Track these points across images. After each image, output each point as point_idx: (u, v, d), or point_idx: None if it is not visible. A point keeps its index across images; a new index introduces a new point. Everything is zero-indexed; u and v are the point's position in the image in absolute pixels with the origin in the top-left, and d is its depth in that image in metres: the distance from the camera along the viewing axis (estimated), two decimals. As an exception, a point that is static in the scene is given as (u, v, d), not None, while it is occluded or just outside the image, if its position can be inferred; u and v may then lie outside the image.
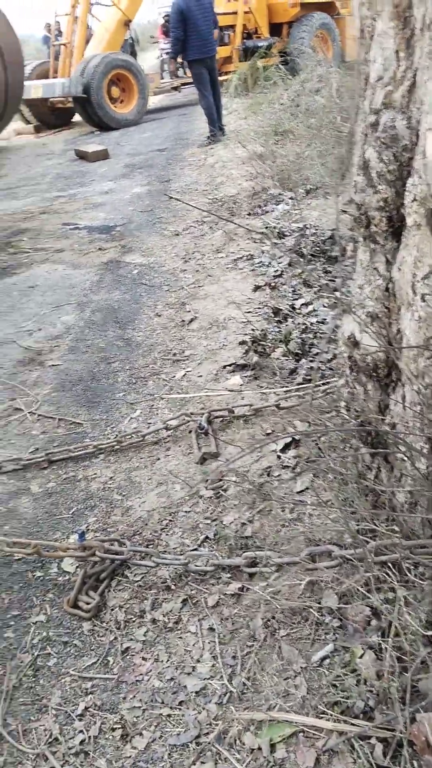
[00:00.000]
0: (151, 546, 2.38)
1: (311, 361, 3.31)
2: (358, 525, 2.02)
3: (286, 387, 3.13)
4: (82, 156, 10.63)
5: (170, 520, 2.50)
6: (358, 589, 1.89)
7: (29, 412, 3.41)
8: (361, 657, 1.73)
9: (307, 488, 2.42)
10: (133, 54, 16.22)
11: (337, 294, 2.67)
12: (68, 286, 5.12)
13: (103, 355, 3.95)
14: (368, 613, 1.85)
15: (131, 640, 2.03)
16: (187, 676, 1.88)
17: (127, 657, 1.98)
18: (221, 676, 1.85)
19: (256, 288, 4.36)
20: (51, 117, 15.05)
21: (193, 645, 1.97)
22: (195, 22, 8.92)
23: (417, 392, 1.84)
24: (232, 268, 4.84)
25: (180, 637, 2.01)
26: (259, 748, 1.63)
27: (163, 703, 1.82)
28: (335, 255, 4.57)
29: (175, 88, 15.71)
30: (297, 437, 2.68)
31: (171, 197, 6.76)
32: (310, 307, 3.90)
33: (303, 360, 3.34)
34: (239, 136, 8.99)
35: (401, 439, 1.88)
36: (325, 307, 3.87)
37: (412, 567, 1.79)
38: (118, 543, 2.36)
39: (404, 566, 1.79)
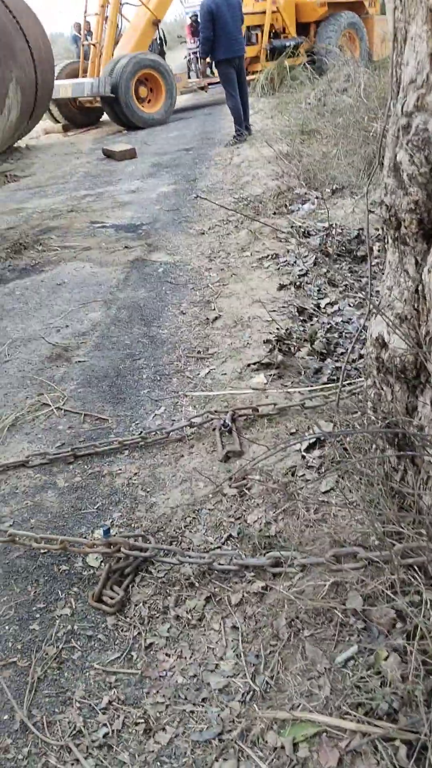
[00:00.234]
0: (175, 543, 2.39)
1: (336, 360, 3.30)
2: (384, 527, 2.02)
3: (311, 386, 3.12)
4: (109, 155, 10.68)
5: (194, 518, 2.50)
6: (383, 591, 1.89)
7: (56, 408, 3.44)
8: (385, 659, 1.73)
9: (332, 489, 2.42)
10: (161, 54, 16.25)
11: (364, 294, 2.66)
12: (95, 283, 5.15)
13: (128, 352, 3.97)
14: (393, 615, 1.84)
15: (155, 635, 2.04)
16: (210, 673, 1.89)
17: (151, 652, 1.99)
18: (244, 674, 1.86)
19: (281, 287, 4.36)
20: (79, 116, 15.15)
21: (217, 642, 1.98)
22: (224, 22, 8.94)
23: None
24: (257, 267, 4.84)
25: (203, 635, 2.02)
26: (282, 747, 1.64)
27: (186, 699, 1.83)
28: (361, 255, 4.55)
29: (202, 88, 15.73)
30: (322, 437, 2.67)
31: (198, 196, 6.77)
32: (336, 307, 3.89)
33: (328, 359, 3.33)
34: (265, 136, 8.99)
35: (429, 441, 1.87)
36: (350, 306, 3.86)
37: (439, 569, 1.78)
38: (143, 539, 2.38)
39: (430, 569, 1.78)
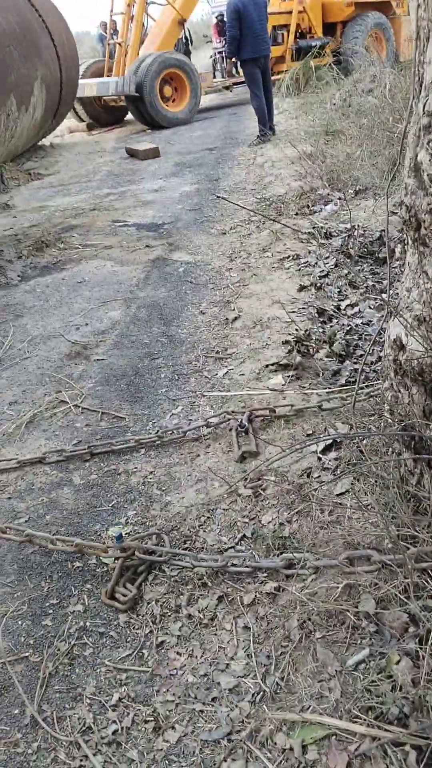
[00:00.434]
0: (189, 542, 2.39)
1: (355, 362, 3.28)
2: (398, 530, 2.00)
3: (329, 388, 3.11)
4: (132, 154, 10.72)
5: (208, 517, 2.50)
6: (396, 595, 1.87)
7: (74, 405, 3.46)
8: (397, 663, 1.72)
9: (347, 491, 2.40)
10: (187, 53, 16.27)
11: (384, 296, 2.64)
12: (115, 282, 5.17)
13: (147, 351, 3.98)
14: (406, 619, 1.83)
15: (166, 634, 2.05)
16: (220, 672, 1.89)
17: (162, 651, 2.00)
18: (255, 675, 1.85)
19: (302, 288, 4.35)
20: (104, 115, 15.21)
21: (228, 642, 1.97)
22: (250, 21, 8.94)
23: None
24: (277, 268, 4.83)
25: (215, 634, 2.02)
26: (291, 749, 1.63)
27: (196, 698, 1.83)
28: (383, 256, 4.52)
29: (227, 88, 15.73)
30: (338, 439, 2.66)
31: (219, 196, 6.77)
32: (356, 309, 3.87)
33: (347, 362, 3.32)
34: (289, 136, 8.97)
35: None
36: (371, 308, 3.83)
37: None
38: (157, 537, 2.38)
39: (444, 573, 1.77)
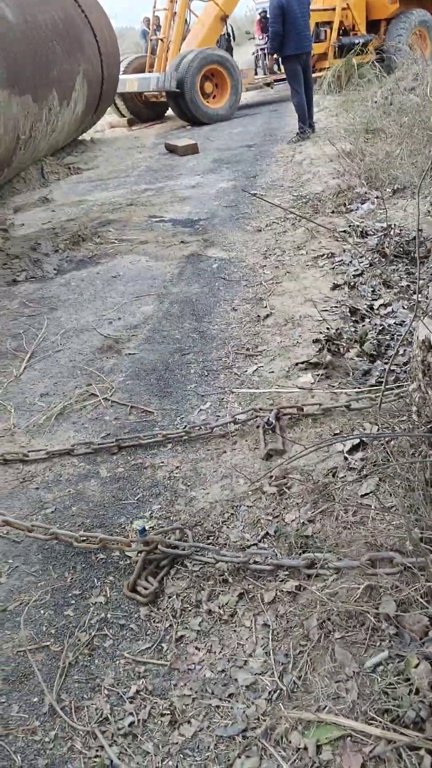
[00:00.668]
0: (212, 538, 2.40)
1: (386, 363, 3.25)
2: (422, 533, 1.98)
3: (358, 388, 3.09)
4: (171, 150, 10.75)
5: (232, 514, 2.51)
6: (417, 599, 1.85)
7: (103, 398, 3.49)
8: (416, 667, 1.70)
9: (372, 492, 2.38)
10: (229, 49, 16.25)
11: (416, 297, 2.61)
12: (149, 277, 5.19)
13: (177, 346, 3.99)
14: (426, 622, 1.81)
15: (186, 628, 2.06)
16: (238, 669, 1.89)
17: (181, 645, 2.00)
18: (272, 673, 1.85)
19: (335, 286, 4.32)
20: (144, 111, 15.27)
21: (247, 639, 1.98)
22: (294, 18, 8.89)
23: None
24: (311, 266, 4.80)
25: (234, 631, 2.02)
26: (305, 748, 1.63)
27: (213, 693, 1.83)
28: (419, 256, 4.47)
29: (268, 84, 15.67)
30: (365, 439, 2.64)
31: (252, 193, 6.75)
32: (389, 309, 3.83)
33: (378, 362, 3.29)
34: (328, 134, 8.90)
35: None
36: (404, 308, 3.79)
37: None
38: (180, 531, 2.39)
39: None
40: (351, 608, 1.93)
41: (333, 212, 5.80)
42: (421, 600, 1.83)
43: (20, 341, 4.32)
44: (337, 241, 5.13)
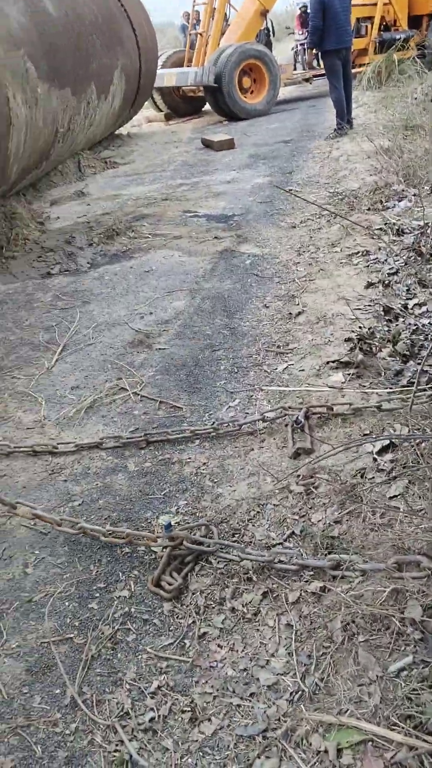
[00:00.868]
0: (237, 535, 2.39)
1: (419, 363, 3.20)
2: (450, 537, 1.95)
3: (390, 388, 3.05)
4: (208, 145, 10.73)
5: (258, 512, 2.49)
6: (444, 604, 1.82)
7: (133, 393, 3.50)
8: (440, 673, 1.67)
9: (400, 494, 2.35)
10: (268, 44, 16.16)
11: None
12: (182, 272, 5.19)
13: (208, 342, 3.98)
14: (453, 629, 1.78)
15: (209, 626, 2.05)
16: (260, 668, 1.88)
17: (204, 642, 2.00)
18: (294, 674, 1.84)
19: (369, 285, 4.27)
20: (182, 105, 15.27)
21: (270, 639, 1.96)
22: (334, 12, 8.82)
23: None
24: (345, 264, 4.75)
25: (257, 629, 2.01)
26: (326, 751, 1.61)
27: (234, 692, 1.83)
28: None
29: (307, 80, 15.54)
30: (395, 441, 2.60)
31: (287, 190, 6.70)
32: (424, 308, 3.77)
33: (410, 362, 3.24)
34: (367, 130, 8.80)
35: None
36: (439, 309, 3.73)
37: None
38: (205, 528, 2.39)
39: None
40: (376, 611, 1.90)
41: (369, 209, 5.74)
42: (447, 606, 1.80)
43: (53, 334, 4.36)
44: (373, 238, 5.07)
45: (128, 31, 9.94)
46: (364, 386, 3.14)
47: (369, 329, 3.57)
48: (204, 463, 2.87)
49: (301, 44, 16.04)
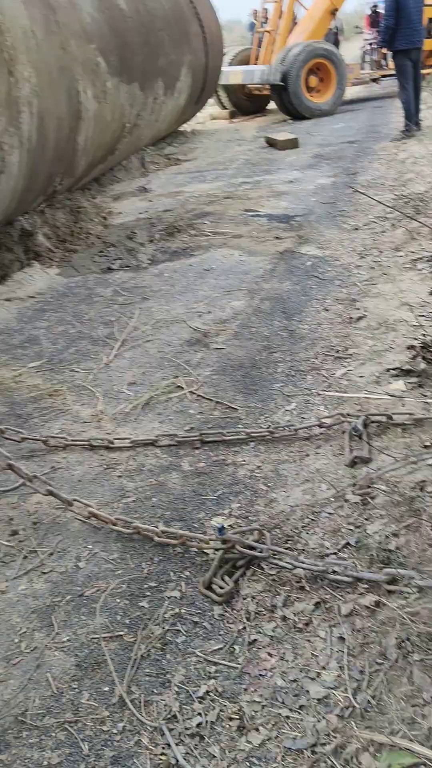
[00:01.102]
0: (290, 542, 2.35)
1: None
2: None
3: (453, 400, 2.97)
4: (271, 144, 10.67)
5: (312, 519, 2.46)
6: None
7: (189, 392, 3.49)
8: None
9: (462, 510, 2.29)
10: (336, 43, 16.02)
11: None
12: (242, 272, 5.17)
13: (266, 343, 3.95)
14: None
15: (259, 633, 2.03)
16: (310, 681, 1.85)
17: (254, 649, 1.98)
18: (346, 689, 1.80)
19: (434, 292, 4.17)
20: (247, 103, 15.23)
21: (321, 651, 1.93)
22: (407, 12, 8.69)
23: None
24: (409, 269, 4.66)
25: (308, 640, 1.98)
26: (376, 772, 1.57)
27: (283, 703, 1.80)
28: None
29: (375, 80, 15.34)
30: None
31: (356, 190, 6.60)
32: None
33: None
34: (435, 132, 8.62)
35: None
36: None
37: None
38: (258, 533, 2.36)
39: None
40: (432, 630, 1.85)
41: (435, 214, 5.62)
42: None
43: (111, 329, 4.39)
44: (438, 244, 4.96)
45: (196, 27, 9.97)
46: (426, 396, 3.07)
47: (432, 337, 3.49)
48: (258, 467, 2.84)
49: (370, 44, 15.79)
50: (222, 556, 2.26)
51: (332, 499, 2.53)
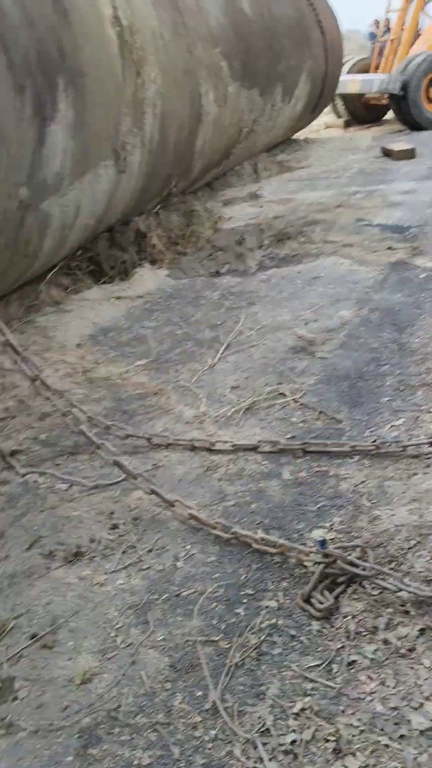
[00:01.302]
0: (395, 564, 2.26)
1: None
2: None
3: None
4: (387, 153, 10.45)
5: (419, 542, 2.35)
6: None
7: (292, 400, 3.44)
8: None
9: None
10: (460, 54, 15.51)
11: None
12: (351, 281, 5.07)
13: (374, 355, 3.84)
14: None
15: (359, 654, 1.95)
16: (412, 710, 1.76)
17: (353, 670, 1.90)
18: (450, 723, 1.70)
19: None
20: (363, 112, 14.97)
21: (425, 680, 1.84)
22: None
23: None
24: None
25: (411, 667, 1.88)
26: None
27: (382, 730, 1.72)
28: None
29: None
30: None
31: None
32: None
33: None
34: None
35: None
36: None
37: None
38: (361, 550, 2.28)
39: None
40: None
41: None
42: None
43: (217, 332, 4.39)
44: None
45: (317, 34, 9.90)
46: None
47: None
48: (362, 481, 2.76)
49: None
50: (322, 570, 2.20)
51: (441, 522, 2.42)
